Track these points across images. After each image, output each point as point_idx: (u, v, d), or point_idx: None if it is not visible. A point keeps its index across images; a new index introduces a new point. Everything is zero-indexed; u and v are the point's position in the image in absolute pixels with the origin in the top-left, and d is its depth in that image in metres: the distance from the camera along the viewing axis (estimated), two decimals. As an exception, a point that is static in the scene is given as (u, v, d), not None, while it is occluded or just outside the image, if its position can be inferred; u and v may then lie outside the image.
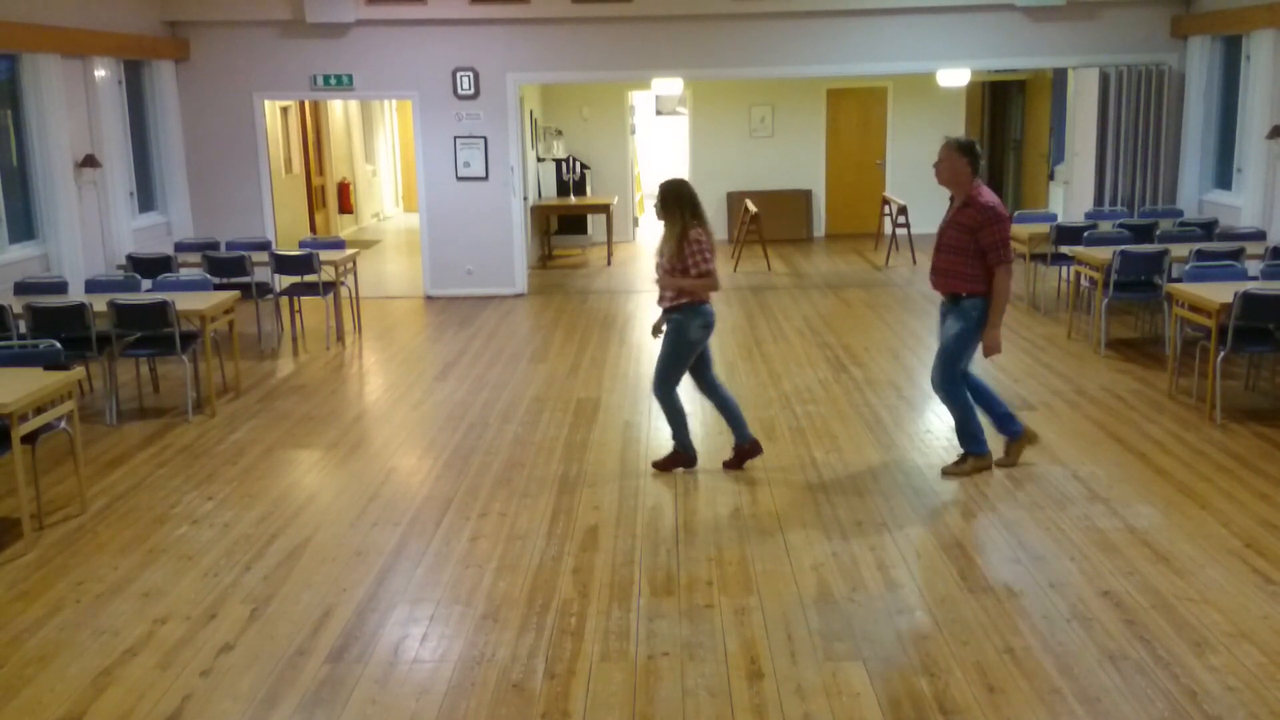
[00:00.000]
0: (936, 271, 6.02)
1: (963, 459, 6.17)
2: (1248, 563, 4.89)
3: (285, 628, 4.51)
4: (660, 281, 6.05)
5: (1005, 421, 6.20)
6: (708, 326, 6.04)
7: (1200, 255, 8.40)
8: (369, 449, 6.88)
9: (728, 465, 6.33)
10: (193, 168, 11.68)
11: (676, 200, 5.94)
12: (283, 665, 4.21)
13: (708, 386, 6.28)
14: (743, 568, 4.99)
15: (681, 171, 19.46)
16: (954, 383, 6.02)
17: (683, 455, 6.30)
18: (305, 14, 11.30)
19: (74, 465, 6.01)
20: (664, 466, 6.31)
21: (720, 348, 9.29)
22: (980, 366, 8.42)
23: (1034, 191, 16.33)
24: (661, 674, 4.08)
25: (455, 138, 11.83)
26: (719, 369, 7.05)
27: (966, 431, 6.12)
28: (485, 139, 11.82)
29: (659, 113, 22.76)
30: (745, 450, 6.32)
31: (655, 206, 6.06)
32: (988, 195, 5.83)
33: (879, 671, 4.05)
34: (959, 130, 16.11)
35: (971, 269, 5.83)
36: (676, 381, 6.15)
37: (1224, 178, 11.06)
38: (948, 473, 6.14)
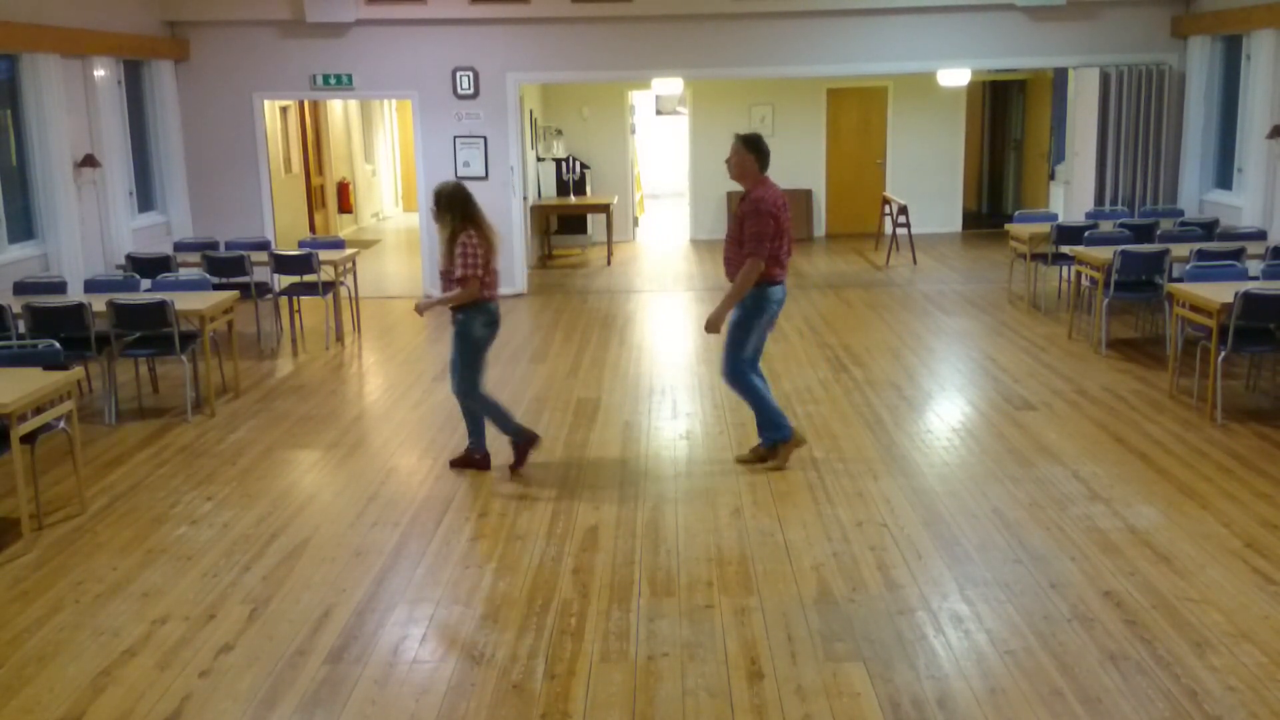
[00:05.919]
0: (724, 260, 6.23)
1: (772, 449, 6.30)
2: (1248, 563, 4.89)
3: (285, 628, 4.51)
4: (442, 286, 6.16)
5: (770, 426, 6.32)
6: (492, 324, 6.15)
7: (1201, 255, 8.39)
8: (368, 449, 6.88)
9: (453, 464, 6.44)
10: (192, 168, 11.68)
11: (449, 203, 6.01)
12: (282, 665, 4.20)
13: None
14: (743, 568, 4.98)
15: (681, 171, 19.47)
16: (741, 373, 6.19)
17: (475, 457, 6.37)
18: (305, 14, 11.29)
19: (73, 465, 6.01)
20: (459, 465, 6.40)
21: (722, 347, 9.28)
22: (982, 366, 8.43)
23: (1034, 191, 16.34)
24: (661, 674, 4.08)
25: (455, 137, 11.83)
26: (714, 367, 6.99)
27: (766, 420, 6.25)
28: (485, 139, 11.81)
29: (659, 113, 22.77)
30: (476, 460, 6.38)
31: (430, 209, 6.16)
32: (763, 190, 5.96)
33: (879, 672, 4.05)
34: (959, 130, 16.14)
35: (742, 257, 5.97)
36: (478, 381, 6.23)
37: (1224, 177, 11.06)
38: (742, 460, 6.35)
